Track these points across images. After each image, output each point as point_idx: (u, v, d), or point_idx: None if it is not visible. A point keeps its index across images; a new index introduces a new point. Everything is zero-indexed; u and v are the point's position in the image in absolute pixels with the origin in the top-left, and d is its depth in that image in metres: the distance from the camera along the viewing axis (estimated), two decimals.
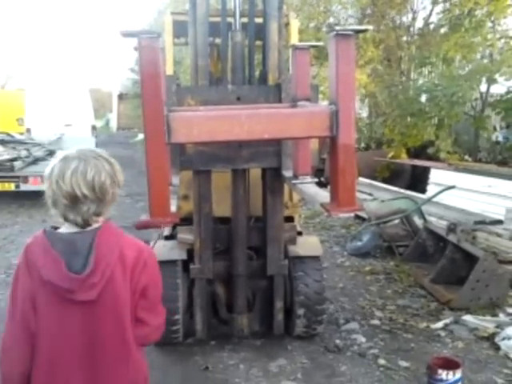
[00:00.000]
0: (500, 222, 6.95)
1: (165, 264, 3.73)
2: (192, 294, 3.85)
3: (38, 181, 8.22)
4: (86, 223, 1.61)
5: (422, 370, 3.45)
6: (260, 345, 3.97)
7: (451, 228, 5.28)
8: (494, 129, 12.17)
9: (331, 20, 14.00)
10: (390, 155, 11.64)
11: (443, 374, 3.06)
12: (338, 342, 4.03)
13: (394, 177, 11.25)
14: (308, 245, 3.98)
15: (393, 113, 12.25)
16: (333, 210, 2.28)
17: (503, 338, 3.93)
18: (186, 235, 3.79)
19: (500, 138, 12.05)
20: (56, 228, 1.66)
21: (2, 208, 9.00)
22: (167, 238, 4.10)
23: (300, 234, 4.07)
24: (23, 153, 9.31)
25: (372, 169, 11.20)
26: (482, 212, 7.43)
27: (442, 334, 4.17)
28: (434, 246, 5.72)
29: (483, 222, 6.89)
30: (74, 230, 1.62)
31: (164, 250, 3.81)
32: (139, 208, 8.78)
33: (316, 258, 3.95)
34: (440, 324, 4.31)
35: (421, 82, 12.89)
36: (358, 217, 7.81)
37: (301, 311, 3.85)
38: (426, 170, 9.73)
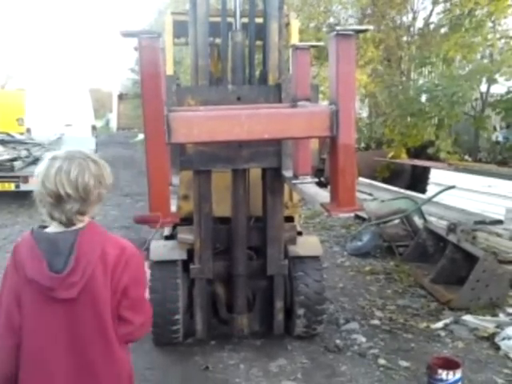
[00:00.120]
0: (500, 222, 6.95)
1: (165, 264, 3.75)
2: (192, 294, 3.85)
3: None
4: (70, 222, 1.65)
5: (422, 370, 3.45)
6: (260, 345, 3.97)
7: (451, 228, 5.28)
8: (494, 129, 12.17)
9: (331, 20, 14.01)
10: (390, 155, 11.64)
11: (443, 373, 3.06)
12: (338, 341, 4.03)
13: (394, 177, 11.24)
14: (308, 245, 3.98)
15: (393, 113, 12.25)
16: (333, 209, 2.28)
17: (503, 338, 3.93)
18: (186, 235, 3.79)
19: (500, 138, 12.05)
20: (45, 227, 1.70)
21: (2, 208, 9.00)
22: (167, 237, 4.10)
23: (300, 233, 4.07)
24: (23, 153, 9.31)
25: (372, 169, 11.20)
26: (482, 212, 7.43)
27: (442, 333, 4.17)
28: (434, 246, 5.72)
29: (483, 222, 6.89)
30: (60, 229, 1.66)
31: (164, 249, 3.82)
32: (139, 208, 8.80)
33: (316, 258, 3.95)
34: (440, 324, 4.31)
35: (421, 82, 12.89)
36: (358, 217, 7.81)
37: (301, 311, 3.85)
38: (426, 170, 9.73)
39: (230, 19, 3.52)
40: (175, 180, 3.07)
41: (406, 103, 11.39)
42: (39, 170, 1.65)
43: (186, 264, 3.79)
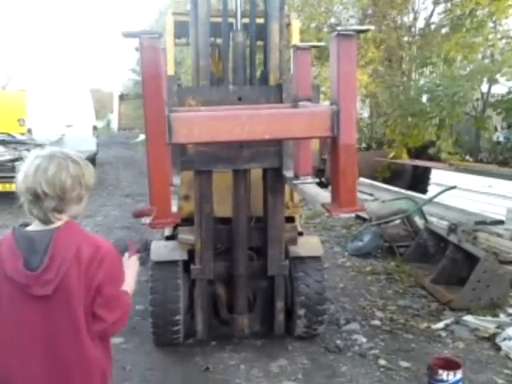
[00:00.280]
0: (501, 222, 6.94)
1: (166, 264, 3.75)
2: (193, 295, 3.84)
3: None
4: (47, 219, 1.69)
5: (423, 371, 3.44)
6: (261, 345, 3.97)
7: (452, 228, 5.28)
8: (495, 129, 12.18)
9: (332, 20, 14.03)
10: (391, 155, 11.64)
11: (444, 374, 3.06)
12: (338, 342, 4.02)
13: (395, 177, 11.23)
14: (309, 245, 3.98)
15: (394, 113, 12.26)
16: (334, 210, 2.28)
17: (504, 339, 3.92)
18: (186, 236, 3.79)
19: (501, 139, 12.06)
20: (27, 225, 1.75)
21: (2, 208, 9.00)
22: (168, 238, 4.10)
23: (301, 234, 4.07)
24: (24, 153, 9.32)
25: (373, 169, 11.19)
26: (482, 212, 7.42)
27: (443, 334, 4.17)
28: (435, 246, 5.71)
29: (484, 223, 6.88)
30: (40, 227, 1.71)
31: (165, 250, 3.82)
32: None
33: (317, 259, 3.94)
34: (441, 324, 4.31)
35: (422, 82, 12.88)
36: (358, 217, 7.80)
37: (301, 311, 3.85)
38: (427, 171, 9.72)
39: (230, 19, 3.52)
40: (176, 180, 3.07)
41: (407, 103, 11.40)
42: (22, 167, 1.70)
43: (186, 264, 3.79)
